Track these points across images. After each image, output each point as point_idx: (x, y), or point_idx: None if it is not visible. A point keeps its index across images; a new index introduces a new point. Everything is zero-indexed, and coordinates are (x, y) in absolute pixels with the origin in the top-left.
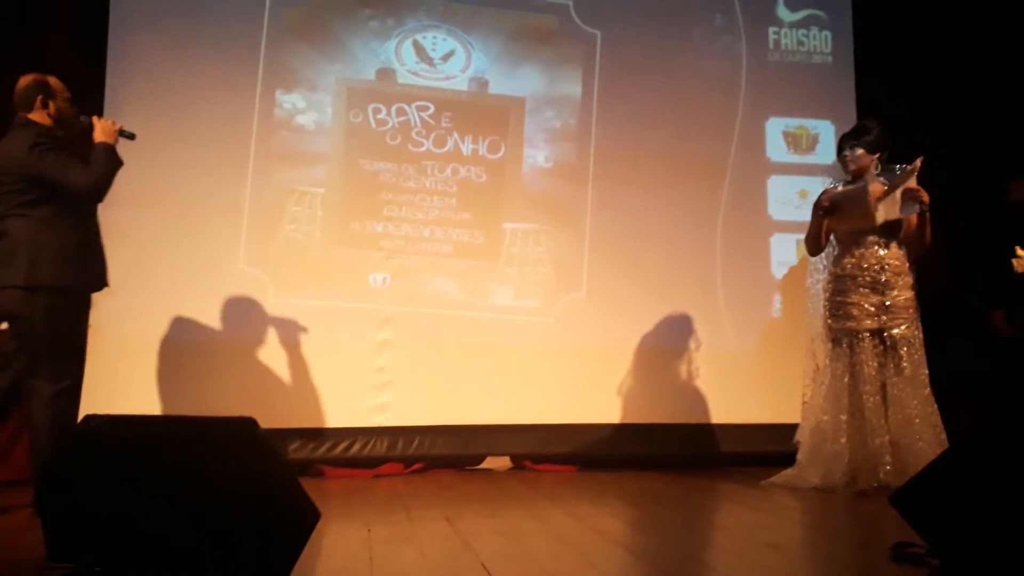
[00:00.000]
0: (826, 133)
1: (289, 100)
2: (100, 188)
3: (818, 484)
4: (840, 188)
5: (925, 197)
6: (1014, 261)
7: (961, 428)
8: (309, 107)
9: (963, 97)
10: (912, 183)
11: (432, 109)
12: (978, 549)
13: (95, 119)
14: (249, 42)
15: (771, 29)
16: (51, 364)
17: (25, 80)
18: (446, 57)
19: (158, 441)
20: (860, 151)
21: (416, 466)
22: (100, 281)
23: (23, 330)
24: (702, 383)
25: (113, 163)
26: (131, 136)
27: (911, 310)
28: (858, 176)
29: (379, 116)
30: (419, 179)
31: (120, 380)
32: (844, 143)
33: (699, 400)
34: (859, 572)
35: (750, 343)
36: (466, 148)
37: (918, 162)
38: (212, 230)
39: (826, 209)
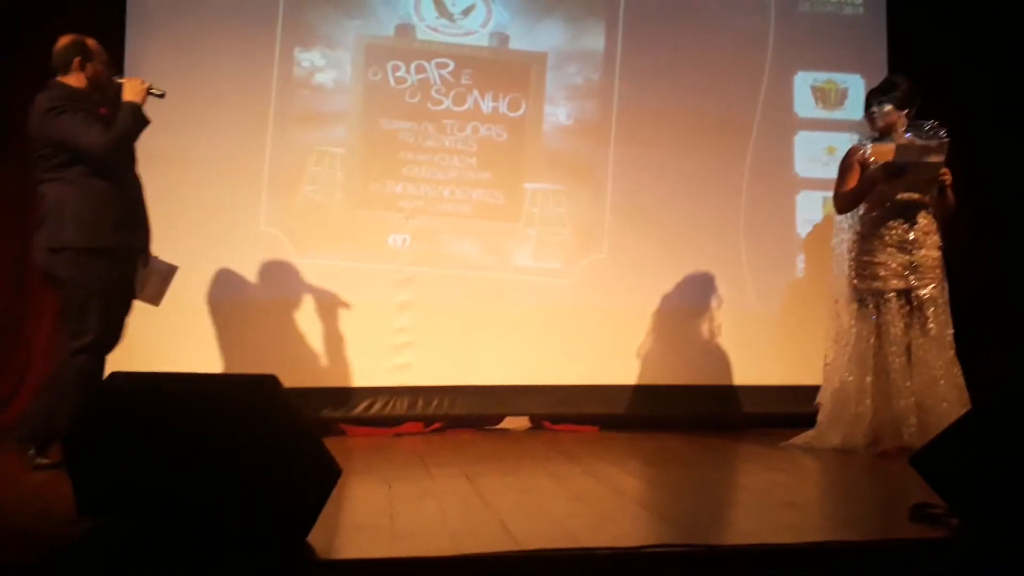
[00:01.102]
0: (855, 87)
1: (308, 58)
2: (115, 148)
3: (839, 445)
4: (871, 147)
5: (948, 179)
6: None
7: (984, 391)
8: (328, 65)
9: (998, 52)
10: (937, 159)
11: (452, 66)
12: (997, 510)
13: (125, 80)
14: (270, 2)
15: None
16: (73, 320)
17: (63, 41)
18: (466, 12)
19: (181, 398)
20: (889, 107)
21: (436, 425)
22: (135, 243)
23: (55, 287)
24: (723, 344)
25: (136, 123)
26: (161, 95)
27: (938, 270)
28: (885, 133)
29: (398, 74)
30: (439, 138)
31: (142, 339)
32: (872, 99)
33: (720, 361)
34: (878, 532)
35: (773, 303)
36: (486, 106)
37: (945, 143)
38: (232, 190)
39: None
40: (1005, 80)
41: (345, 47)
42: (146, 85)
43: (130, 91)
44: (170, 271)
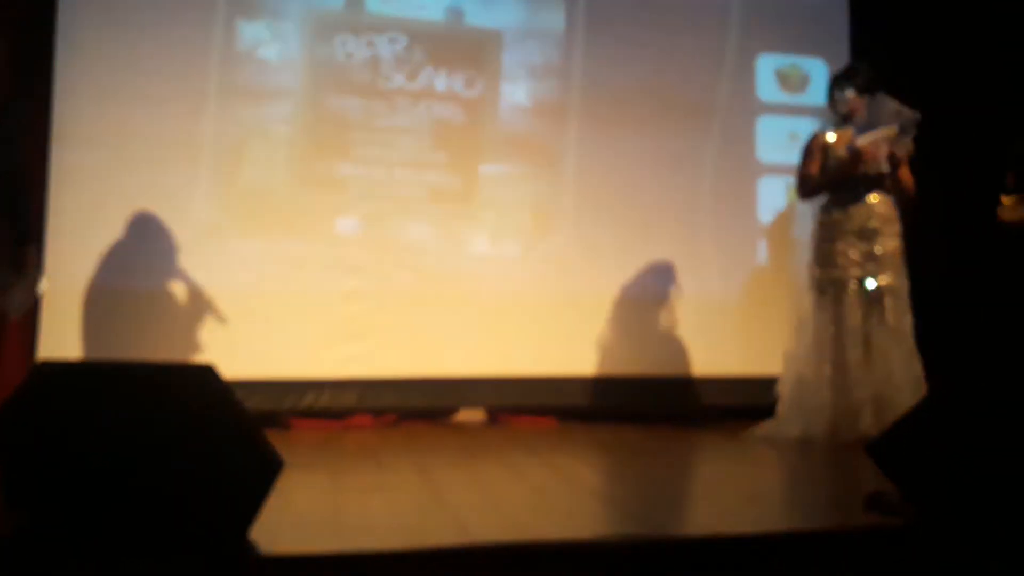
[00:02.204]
0: (818, 72)
1: (251, 30)
2: None
3: (798, 436)
4: (832, 134)
5: (901, 154)
6: (999, 210)
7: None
8: (273, 38)
9: (962, 36)
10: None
11: (404, 41)
12: (950, 497)
13: None
14: None
15: None
16: None
17: None
18: None
19: (114, 387)
20: (851, 93)
21: (387, 418)
22: None
23: None
24: (685, 332)
25: None
26: None
27: (898, 260)
28: (848, 119)
29: (347, 48)
30: (390, 117)
31: (75, 328)
32: (834, 85)
33: (681, 350)
34: (834, 521)
35: (734, 291)
36: (440, 84)
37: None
38: (168, 170)
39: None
40: (968, 64)
41: (291, 19)
42: None
43: None
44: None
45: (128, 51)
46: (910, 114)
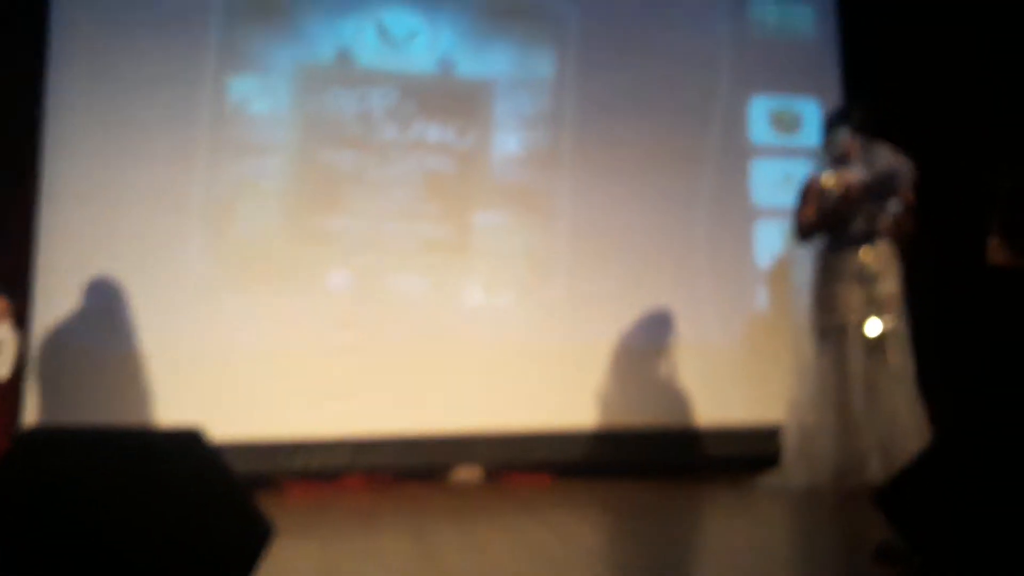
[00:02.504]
0: (810, 112)
1: (241, 85)
2: None
3: (804, 485)
4: (829, 176)
5: (910, 200)
6: (987, 252)
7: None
8: (263, 92)
9: (954, 74)
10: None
11: (395, 94)
12: (957, 546)
13: None
14: (199, 23)
15: (753, 6)
16: None
17: None
18: (410, 37)
19: (99, 456)
20: (845, 135)
21: (381, 478)
22: None
23: None
24: (684, 381)
25: None
26: None
27: (897, 303)
28: (842, 161)
29: (338, 102)
30: (382, 169)
31: (64, 388)
32: (829, 126)
33: (680, 399)
34: (842, 573)
35: (733, 338)
36: (432, 135)
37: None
38: (159, 227)
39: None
40: (961, 102)
41: (282, 74)
42: None
43: None
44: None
45: (118, 108)
46: (905, 162)
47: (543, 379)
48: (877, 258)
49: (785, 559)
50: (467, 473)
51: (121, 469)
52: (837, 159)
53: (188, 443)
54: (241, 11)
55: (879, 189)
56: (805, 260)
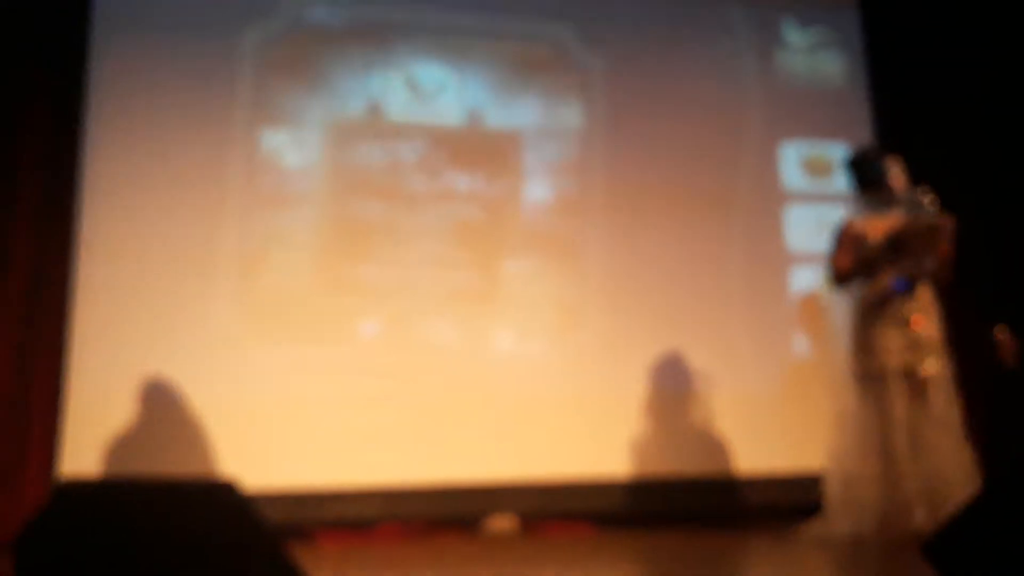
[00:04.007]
0: (841, 158)
1: (273, 139)
2: None
3: (847, 534)
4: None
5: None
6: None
7: (996, 470)
8: (294, 146)
9: (985, 115)
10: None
11: (424, 145)
12: None
13: None
14: (231, 79)
15: (779, 53)
16: None
17: None
18: (438, 91)
19: (133, 506)
20: (897, 170)
21: (415, 527)
22: None
23: None
24: (722, 428)
25: None
26: None
27: (939, 346)
28: (887, 200)
29: (368, 154)
30: (411, 219)
31: (98, 441)
32: (863, 163)
33: (719, 447)
34: None
35: (770, 385)
36: (461, 185)
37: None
38: (191, 279)
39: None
40: (993, 146)
41: (312, 127)
42: None
43: None
44: None
45: (152, 163)
46: (947, 217)
47: (576, 427)
48: (916, 301)
49: None
50: (502, 522)
51: (157, 519)
52: (879, 198)
53: (222, 494)
54: (272, 66)
55: (919, 243)
56: (841, 304)
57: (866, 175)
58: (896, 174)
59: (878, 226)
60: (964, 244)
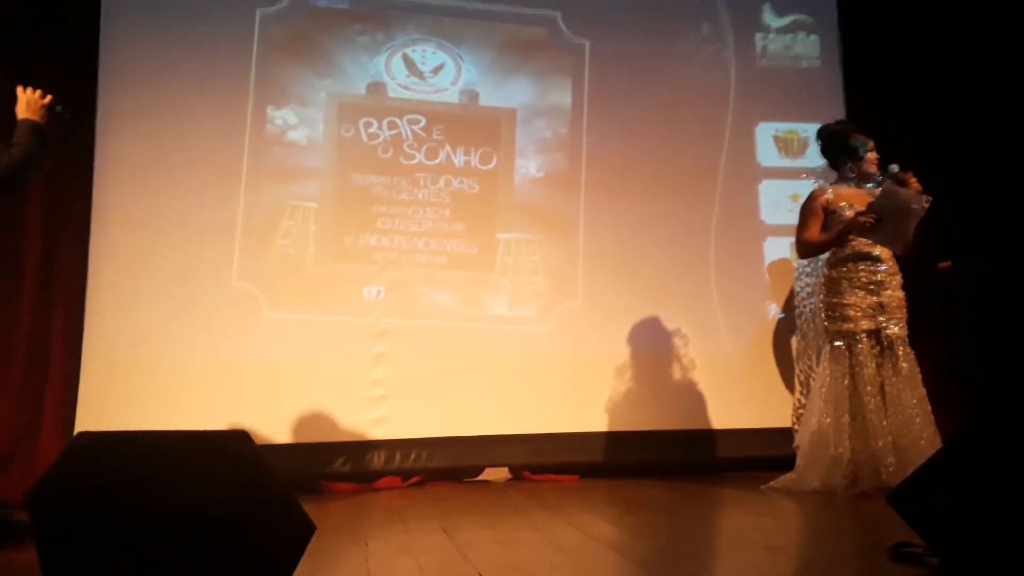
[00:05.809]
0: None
1: (280, 116)
2: (12, 178)
3: (818, 487)
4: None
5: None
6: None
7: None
8: (300, 123)
9: (952, 98)
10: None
11: (423, 122)
12: (975, 546)
13: (19, 89)
14: (239, 60)
15: (758, 35)
16: None
17: None
18: (436, 70)
19: (150, 456)
20: (871, 145)
21: (414, 479)
22: None
23: None
24: (699, 388)
25: (37, 147)
26: (63, 114)
27: (903, 309)
28: (862, 174)
29: (370, 130)
30: (412, 191)
31: (112, 399)
32: (836, 138)
33: (697, 405)
34: (859, 573)
35: (746, 347)
36: (458, 160)
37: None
38: (204, 247)
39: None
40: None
41: (317, 105)
42: (46, 100)
43: (25, 107)
44: None
45: (164, 138)
46: (922, 198)
47: (566, 386)
48: (883, 266)
49: (802, 556)
50: (494, 474)
51: (172, 468)
52: (852, 169)
53: (235, 444)
54: (280, 47)
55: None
56: (807, 271)
57: (839, 149)
58: (869, 149)
59: (850, 197)
60: (932, 223)
